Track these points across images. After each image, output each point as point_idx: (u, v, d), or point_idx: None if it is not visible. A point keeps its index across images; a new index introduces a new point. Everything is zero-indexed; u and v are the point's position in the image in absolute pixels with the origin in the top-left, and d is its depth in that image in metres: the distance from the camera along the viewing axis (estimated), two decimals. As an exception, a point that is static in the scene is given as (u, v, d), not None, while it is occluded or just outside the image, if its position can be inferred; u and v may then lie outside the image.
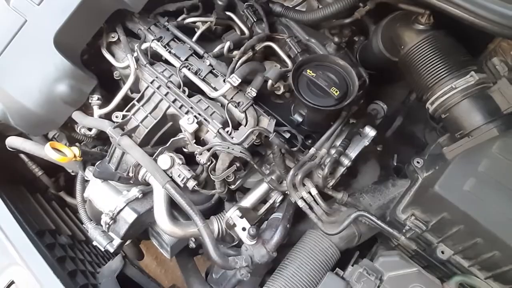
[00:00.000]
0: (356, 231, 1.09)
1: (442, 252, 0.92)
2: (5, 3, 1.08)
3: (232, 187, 1.18)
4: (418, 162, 1.03)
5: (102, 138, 1.34)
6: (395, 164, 1.41)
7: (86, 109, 1.20)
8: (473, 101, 0.95)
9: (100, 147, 1.35)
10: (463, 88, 0.95)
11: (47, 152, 1.07)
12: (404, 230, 0.94)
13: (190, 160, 1.12)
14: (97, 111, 1.17)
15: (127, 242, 1.33)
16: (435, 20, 1.04)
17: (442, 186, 0.83)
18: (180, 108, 1.09)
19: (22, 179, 1.53)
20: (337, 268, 0.93)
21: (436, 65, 0.99)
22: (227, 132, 1.04)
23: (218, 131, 1.04)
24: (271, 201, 1.22)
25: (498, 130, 0.89)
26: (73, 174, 1.49)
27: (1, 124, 1.23)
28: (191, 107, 1.09)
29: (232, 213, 1.05)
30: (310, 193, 1.02)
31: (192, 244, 1.35)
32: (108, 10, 1.11)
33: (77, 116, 1.15)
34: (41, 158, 1.27)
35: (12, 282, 1.03)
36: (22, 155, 1.47)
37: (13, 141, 1.23)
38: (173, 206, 1.11)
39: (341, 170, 1.08)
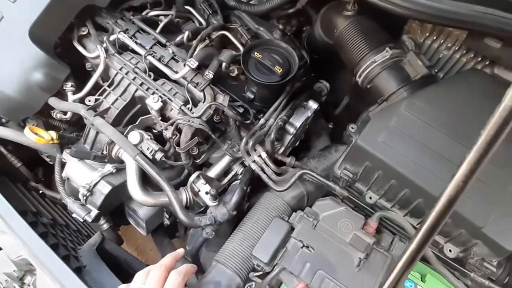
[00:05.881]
0: (304, 190, 1.25)
1: (370, 198, 1.09)
2: (-17, 3, 1.20)
3: (198, 161, 1.33)
4: (352, 128, 1.21)
5: (78, 125, 1.46)
6: None
7: (62, 97, 1.31)
8: (389, 71, 1.15)
9: (76, 133, 1.48)
10: (381, 61, 1.15)
11: (27, 133, 1.17)
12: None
13: (161, 144, 1.23)
14: (71, 97, 1.29)
15: (106, 227, 1.41)
16: (359, 7, 1.24)
17: (362, 139, 1.01)
18: (146, 90, 1.23)
19: (3, 170, 1.61)
20: (282, 215, 1.09)
21: (360, 44, 1.19)
22: (188, 108, 1.20)
23: (180, 108, 1.19)
24: (233, 173, 1.37)
25: (407, 93, 1.10)
26: (51, 163, 1.58)
27: (-19, 113, 1.32)
28: (156, 89, 1.23)
29: (194, 178, 1.20)
30: (260, 156, 1.18)
31: (167, 221, 1.47)
32: (78, 5, 1.24)
33: (53, 101, 1.26)
34: (20, 152, 1.35)
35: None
36: (1, 148, 1.55)
37: (-8, 129, 1.32)
38: (146, 183, 1.21)
39: (289, 137, 1.25)
